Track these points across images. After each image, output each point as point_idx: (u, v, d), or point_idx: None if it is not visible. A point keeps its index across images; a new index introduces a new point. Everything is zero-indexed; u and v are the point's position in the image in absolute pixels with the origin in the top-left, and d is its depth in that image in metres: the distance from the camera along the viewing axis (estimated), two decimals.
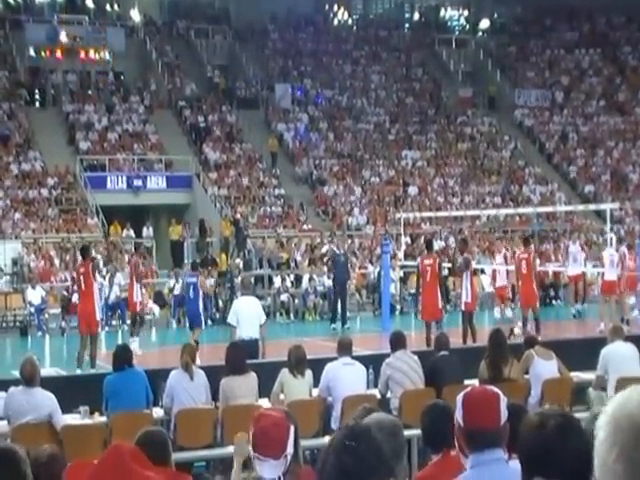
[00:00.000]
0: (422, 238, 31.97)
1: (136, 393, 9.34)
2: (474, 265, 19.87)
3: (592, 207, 31.92)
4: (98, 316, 15.95)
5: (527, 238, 19.73)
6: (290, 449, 4.09)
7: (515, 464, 3.07)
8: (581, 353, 11.25)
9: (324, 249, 28.16)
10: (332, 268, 23.47)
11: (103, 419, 9.39)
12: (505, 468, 3.60)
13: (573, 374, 10.83)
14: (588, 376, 10.61)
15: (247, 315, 13.66)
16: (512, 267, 19.91)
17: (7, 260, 27.59)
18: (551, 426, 2.85)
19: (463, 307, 17.57)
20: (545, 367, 10.33)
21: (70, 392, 9.96)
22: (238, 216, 31.71)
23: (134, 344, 17.30)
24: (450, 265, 21.30)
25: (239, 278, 24.32)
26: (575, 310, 23.70)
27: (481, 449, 3.62)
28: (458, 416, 3.72)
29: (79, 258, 17.57)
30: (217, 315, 23.92)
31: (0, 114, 35.28)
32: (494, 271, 22.23)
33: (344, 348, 10.15)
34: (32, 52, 40.20)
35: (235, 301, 15.24)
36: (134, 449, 1.83)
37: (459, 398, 3.75)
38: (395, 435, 4.12)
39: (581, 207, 31.20)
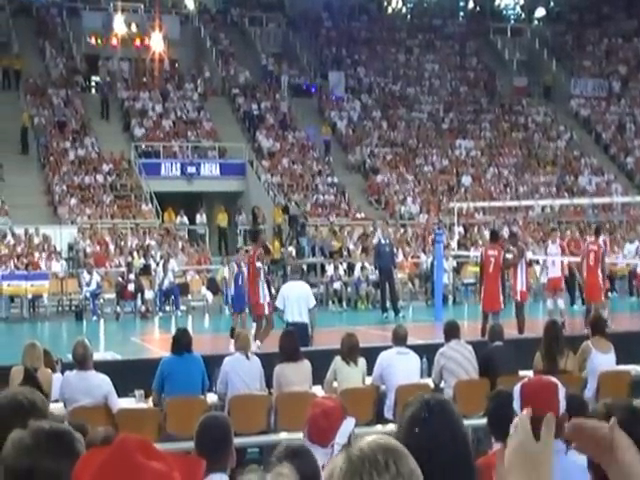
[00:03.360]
0: (475, 228, 31.84)
1: (192, 378, 9.38)
2: (529, 255, 19.63)
3: None
4: (261, 299, 15.80)
5: (598, 229, 19.36)
6: (340, 439, 4.07)
7: (574, 455, 3.02)
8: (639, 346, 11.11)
9: (376, 239, 28.09)
10: (375, 258, 23.30)
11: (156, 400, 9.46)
12: (564, 460, 3.56)
13: (631, 367, 10.70)
14: None
15: (294, 299, 13.69)
16: (568, 258, 19.62)
17: (63, 245, 27.94)
18: (617, 419, 2.80)
19: (519, 297, 17.34)
20: (602, 360, 10.21)
21: (125, 376, 10.06)
22: (293, 204, 31.75)
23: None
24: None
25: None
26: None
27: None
28: (516, 406, 3.69)
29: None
30: None
31: (57, 101, 35.67)
32: (544, 262, 21.90)
33: (399, 338, 10.13)
34: (88, 39, 40.58)
35: (283, 286, 15.26)
36: (142, 440, 1.81)
37: (517, 388, 3.72)
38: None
39: (639, 198, 30.77)
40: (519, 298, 17.26)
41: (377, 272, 23.19)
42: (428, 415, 3.01)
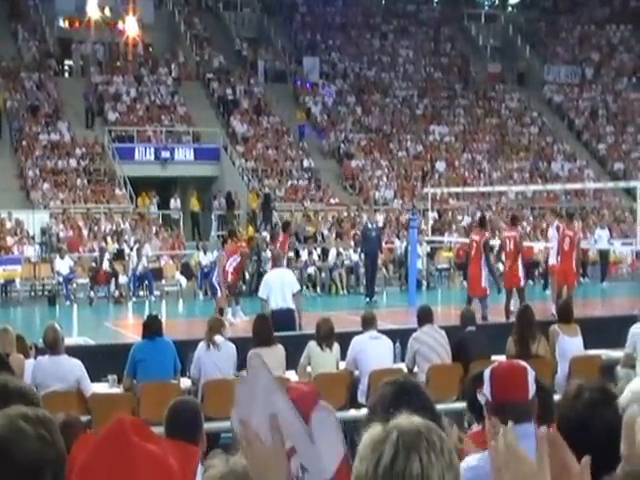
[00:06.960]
0: (450, 213, 31.97)
1: (164, 362, 9.37)
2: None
3: (622, 184, 31.68)
4: None
5: (572, 215, 19.47)
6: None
7: None
8: (610, 331, 11.19)
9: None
10: (361, 242, 23.35)
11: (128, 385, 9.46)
12: (533, 443, 3.58)
13: (602, 352, 10.80)
14: (617, 354, 10.56)
15: (278, 285, 13.38)
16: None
17: (36, 230, 27.77)
18: (584, 398, 2.84)
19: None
20: (570, 343, 10.31)
21: (98, 361, 10.04)
22: (267, 190, 31.76)
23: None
24: None
25: (266, 251, 24.39)
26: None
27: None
28: (486, 391, 3.71)
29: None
30: (244, 288, 23.90)
31: (30, 84, 35.38)
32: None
33: (368, 322, 10.16)
34: (61, 23, 40.24)
35: (265, 275, 14.97)
36: (137, 422, 1.81)
37: (487, 372, 3.74)
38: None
39: (610, 184, 30.98)
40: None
41: (363, 256, 23.29)
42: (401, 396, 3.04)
